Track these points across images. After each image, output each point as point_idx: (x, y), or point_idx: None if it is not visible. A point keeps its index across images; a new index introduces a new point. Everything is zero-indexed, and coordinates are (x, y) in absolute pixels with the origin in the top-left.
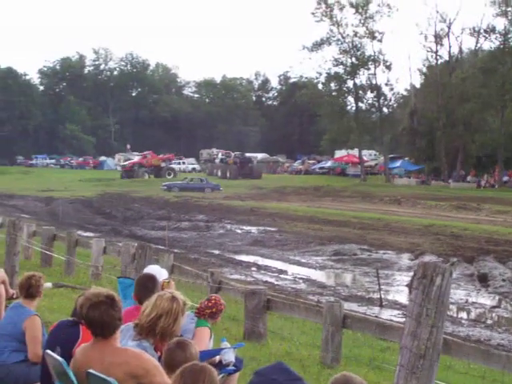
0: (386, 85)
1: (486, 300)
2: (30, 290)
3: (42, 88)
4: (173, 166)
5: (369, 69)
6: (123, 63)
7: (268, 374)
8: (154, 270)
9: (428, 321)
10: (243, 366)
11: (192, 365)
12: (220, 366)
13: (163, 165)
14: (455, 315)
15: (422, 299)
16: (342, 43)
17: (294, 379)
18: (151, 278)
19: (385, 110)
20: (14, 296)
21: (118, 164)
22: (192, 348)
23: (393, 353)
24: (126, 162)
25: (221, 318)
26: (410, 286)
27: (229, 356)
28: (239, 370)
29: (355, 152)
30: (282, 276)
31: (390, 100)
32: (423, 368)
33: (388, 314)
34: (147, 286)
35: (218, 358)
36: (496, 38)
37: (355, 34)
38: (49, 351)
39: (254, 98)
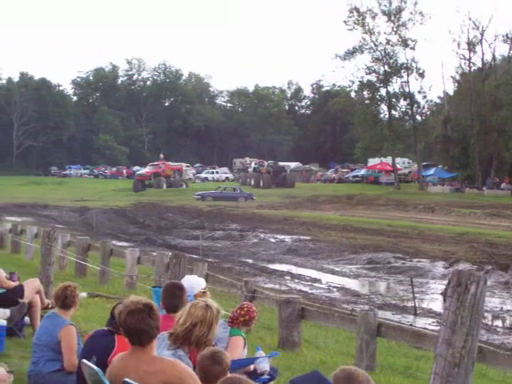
0: (419, 92)
1: None
2: (65, 300)
3: (75, 98)
4: (206, 175)
5: (402, 76)
6: (156, 73)
7: (304, 382)
8: (191, 279)
9: (463, 329)
10: (278, 375)
11: (230, 378)
12: (255, 375)
13: (174, 175)
14: (490, 323)
15: (456, 307)
16: (374, 51)
17: None
18: (178, 286)
19: (418, 117)
20: (50, 306)
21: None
22: (226, 359)
23: (427, 361)
24: (142, 171)
25: (255, 327)
26: (444, 294)
27: (264, 365)
28: (274, 379)
29: (388, 160)
30: (315, 285)
31: (424, 108)
32: (458, 376)
33: (422, 323)
34: (175, 293)
35: (252, 366)
36: None
37: (388, 42)
38: (85, 360)
39: (286, 107)
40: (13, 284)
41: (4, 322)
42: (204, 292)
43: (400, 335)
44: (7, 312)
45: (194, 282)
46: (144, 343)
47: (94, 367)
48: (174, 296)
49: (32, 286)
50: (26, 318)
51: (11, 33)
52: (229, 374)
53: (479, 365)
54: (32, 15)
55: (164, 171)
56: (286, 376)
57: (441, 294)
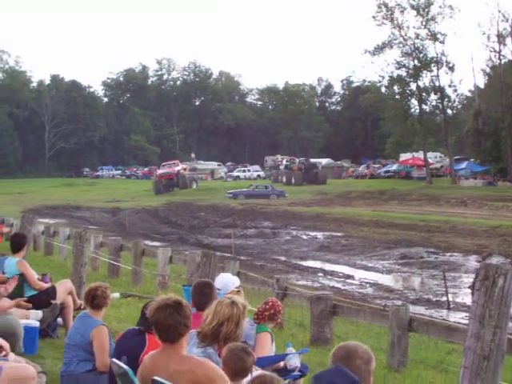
0: (450, 86)
1: None
2: (95, 300)
3: (106, 100)
4: (237, 173)
5: (432, 71)
6: (186, 73)
7: (327, 377)
8: (226, 277)
9: (491, 322)
10: (308, 371)
11: (262, 376)
12: (285, 371)
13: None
14: None
15: (484, 301)
16: (403, 46)
17: (352, 382)
18: (208, 284)
19: (449, 111)
20: (82, 307)
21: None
22: (252, 352)
23: (459, 355)
24: (164, 171)
25: (287, 324)
26: (472, 287)
27: (294, 361)
28: (304, 376)
29: (420, 155)
30: (348, 281)
31: (454, 101)
32: (487, 369)
33: (456, 317)
34: (204, 291)
35: (282, 363)
36: None
37: (417, 37)
38: (114, 359)
39: (317, 104)
40: (45, 285)
41: (37, 324)
42: (238, 291)
43: (431, 330)
44: (40, 313)
45: (228, 280)
46: (172, 339)
47: (124, 366)
48: (203, 294)
49: (64, 287)
50: (59, 319)
51: (42, 36)
52: (260, 371)
53: (510, 357)
54: (62, 18)
55: (185, 170)
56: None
57: (469, 287)
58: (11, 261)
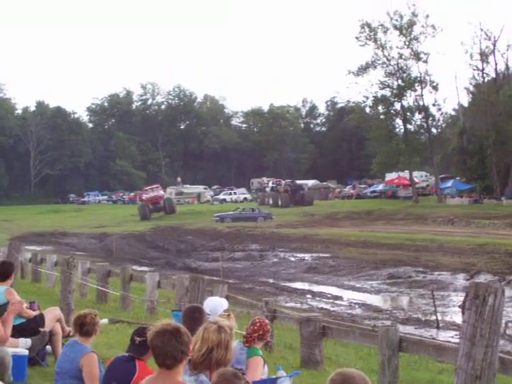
0: (434, 105)
1: None
2: (84, 327)
3: (91, 125)
4: (224, 196)
5: (415, 90)
6: (171, 97)
7: None
8: (214, 301)
9: (482, 341)
10: None
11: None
12: None
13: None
14: None
15: (475, 320)
16: (387, 66)
17: None
18: (198, 309)
19: (434, 130)
20: (71, 334)
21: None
22: (243, 378)
23: (450, 374)
24: (151, 195)
25: (277, 347)
26: (462, 306)
27: None
28: None
29: (406, 174)
30: (337, 302)
31: (439, 120)
32: None
33: (445, 336)
34: (194, 316)
35: None
36: None
37: (400, 56)
38: None
39: (302, 125)
40: (33, 313)
41: (26, 352)
42: (228, 315)
43: (422, 349)
44: (29, 341)
45: (216, 304)
46: (169, 365)
47: None
48: (193, 319)
49: (52, 315)
50: (48, 347)
51: (26, 63)
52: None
53: (502, 376)
54: (45, 45)
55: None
56: None
57: (459, 306)
58: None
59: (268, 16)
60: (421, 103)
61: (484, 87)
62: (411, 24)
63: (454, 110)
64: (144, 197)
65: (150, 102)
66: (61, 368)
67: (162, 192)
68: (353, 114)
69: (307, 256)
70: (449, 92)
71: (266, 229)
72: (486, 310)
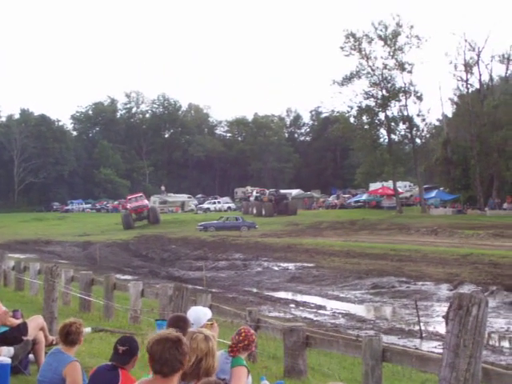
0: (418, 115)
1: None
2: (69, 337)
3: (75, 133)
4: (208, 205)
5: (400, 100)
6: (155, 105)
7: None
8: (198, 310)
9: (466, 352)
10: None
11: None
12: None
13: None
14: (496, 344)
15: (458, 330)
16: (371, 76)
17: None
18: (183, 319)
19: (418, 140)
20: (54, 342)
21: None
22: None
23: None
24: (136, 205)
25: (260, 357)
26: (446, 317)
27: None
28: None
29: (390, 184)
30: (320, 312)
31: (423, 131)
32: None
33: (428, 346)
34: (179, 325)
35: None
36: None
37: (385, 67)
38: None
39: (286, 135)
40: (16, 322)
41: (8, 360)
42: (211, 324)
43: (405, 359)
44: (11, 350)
45: (200, 314)
46: (166, 374)
47: None
48: (178, 328)
49: (35, 323)
50: (31, 355)
51: (10, 70)
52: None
53: None
54: (30, 52)
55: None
56: None
57: (443, 317)
58: None
59: (253, 26)
60: (405, 113)
61: (468, 98)
62: (396, 34)
63: (439, 120)
64: (128, 206)
65: (134, 110)
66: (43, 377)
67: (146, 201)
68: (337, 124)
69: (291, 265)
70: (433, 102)
71: (249, 238)
72: (470, 320)
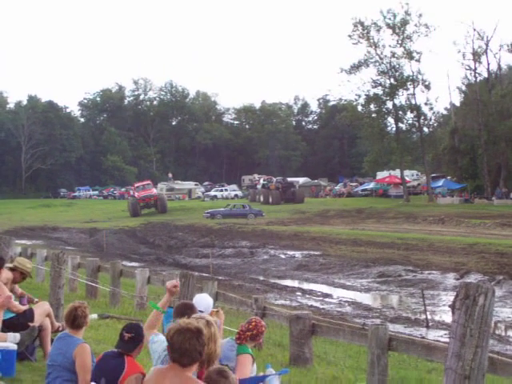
0: (426, 104)
1: None
2: (76, 321)
3: (82, 120)
4: (215, 193)
5: (408, 89)
6: (163, 92)
7: None
8: (205, 298)
9: (472, 341)
10: None
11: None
12: None
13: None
14: (503, 333)
15: (465, 320)
16: (379, 64)
17: None
18: (190, 306)
19: (425, 129)
20: (60, 329)
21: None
22: (232, 375)
23: (439, 374)
24: (145, 194)
25: (266, 344)
26: (452, 306)
27: (273, 382)
28: None
29: (397, 173)
30: (327, 300)
31: (430, 119)
32: None
33: (435, 335)
34: (186, 313)
35: None
36: None
37: (393, 55)
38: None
39: (293, 123)
40: (23, 308)
41: (15, 346)
42: (217, 311)
43: (411, 348)
44: (17, 336)
45: (209, 301)
46: (184, 363)
47: None
48: (185, 315)
49: (42, 309)
50: (36, 342)
51: (18, 56)
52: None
53: (491, 376)
54: (38, 38)
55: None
56: None
57: (449, 306)
58: None
59: (261, 13)
60: (413, 102)
61: (476, 87)
62: (404, 23)
63: (446, 109)
64: (136, 195)
65: (142, 97)
66: (53, 361)
67: (154, 190)
68: (345, 112)
69: (298, 253)
70: (441, 91)
71: (256, 226)
72: (476, 310)
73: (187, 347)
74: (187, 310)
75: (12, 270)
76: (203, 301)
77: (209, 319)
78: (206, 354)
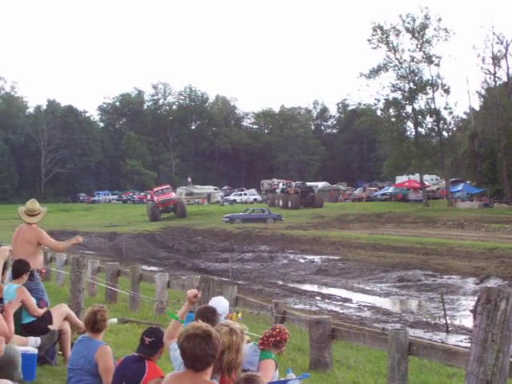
0: (445, 109)
1: None
2: (96, 325)
3: (102, 125)
4: (234, 197)
5: (427, 93)
6: (182, 97)
7: None
8: (223, 301)
9: (494, 346)
10: None
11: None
12: None
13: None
14: None
15: (486, 324)
16: (399, 69)
17: None
18: (211, 310)
19: (445, 133)
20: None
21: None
22: (261, 382)
23: (460, 379)
24: (165, 198)
25: (286, 349)
26: (474, 311)
27: None
28: None
29: (416, 177)
30: (346, 304)
31: (450, 124)
32: None
33: (455, 340)
34: (207, 317)
35: None
36: None
37: (412, 59)
38: None
39: (312, 127)
40: (41, 311)
41: (35, 350)
42: (238, 313)
43: (431, 353)
44: (38, 340)
45: (226, 304)
46: (198, 368)
47: None
48: (207, 320)
49: (59, 312)
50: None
51: (38, 61)
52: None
53: None
54: (58, 43)
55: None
56: None
57: (471, 311)
58: (11, 287)
59: (280, 17)
60: (432, 106)
61: (496, 91)
62: (423, 27)
63: (466, 113)
64: (155, 199)
65: (161, 101)
66: (74, 365)
67: (173, 194)
68: (364, 117)
69: (317, 258)
70: (460, 95)
71: (275, 230)
72: (498, 314)
73: (198, 353)
74: (209, 313)
75: None
76: (220, 304)
77: (233, 327)
78: (226, 361)
